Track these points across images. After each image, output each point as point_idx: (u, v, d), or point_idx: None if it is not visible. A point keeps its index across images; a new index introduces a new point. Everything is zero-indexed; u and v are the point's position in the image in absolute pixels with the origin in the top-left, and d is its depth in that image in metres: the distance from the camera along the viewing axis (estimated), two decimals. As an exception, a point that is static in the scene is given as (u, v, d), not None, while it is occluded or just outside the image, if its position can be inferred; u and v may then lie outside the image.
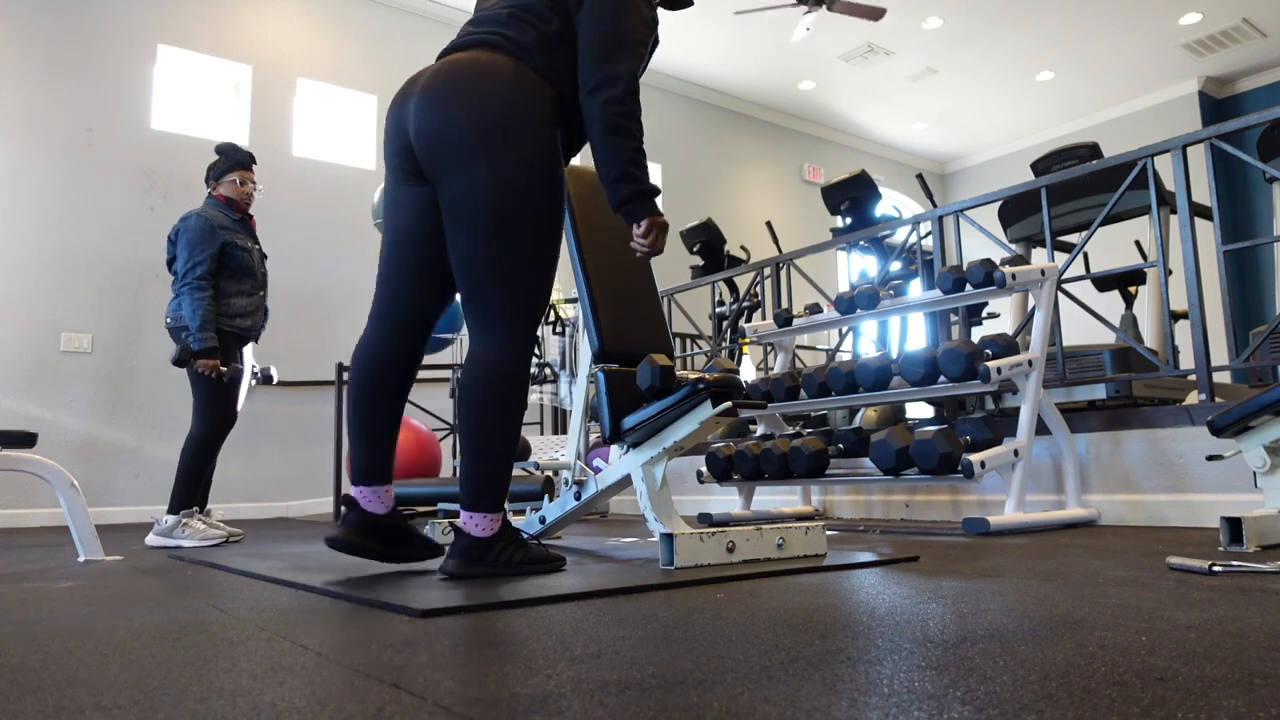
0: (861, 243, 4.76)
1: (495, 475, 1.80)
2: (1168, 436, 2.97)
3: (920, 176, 5.10)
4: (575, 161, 2.30)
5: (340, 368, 5.61)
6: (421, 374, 6.53)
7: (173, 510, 3.28)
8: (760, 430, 4.03)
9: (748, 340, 4.97)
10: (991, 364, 2.90)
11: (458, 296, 1.91)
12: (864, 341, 5.10)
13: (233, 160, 3.55)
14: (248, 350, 3.65)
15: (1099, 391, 3.48)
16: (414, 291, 1.92)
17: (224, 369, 3.33)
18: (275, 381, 3.85)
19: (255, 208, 3.68)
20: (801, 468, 3.28)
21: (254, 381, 3.74)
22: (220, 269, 3.40)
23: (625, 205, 1.84)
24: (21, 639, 1.21)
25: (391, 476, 1.94)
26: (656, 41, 2.00)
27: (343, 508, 1.91)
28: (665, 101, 9.14)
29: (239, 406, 3.66)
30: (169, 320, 3.42)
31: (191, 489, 3.32)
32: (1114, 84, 9.36)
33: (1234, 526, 1.95)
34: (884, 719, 0.71)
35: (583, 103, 1.84)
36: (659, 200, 1.87)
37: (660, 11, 2.09)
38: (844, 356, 5.45)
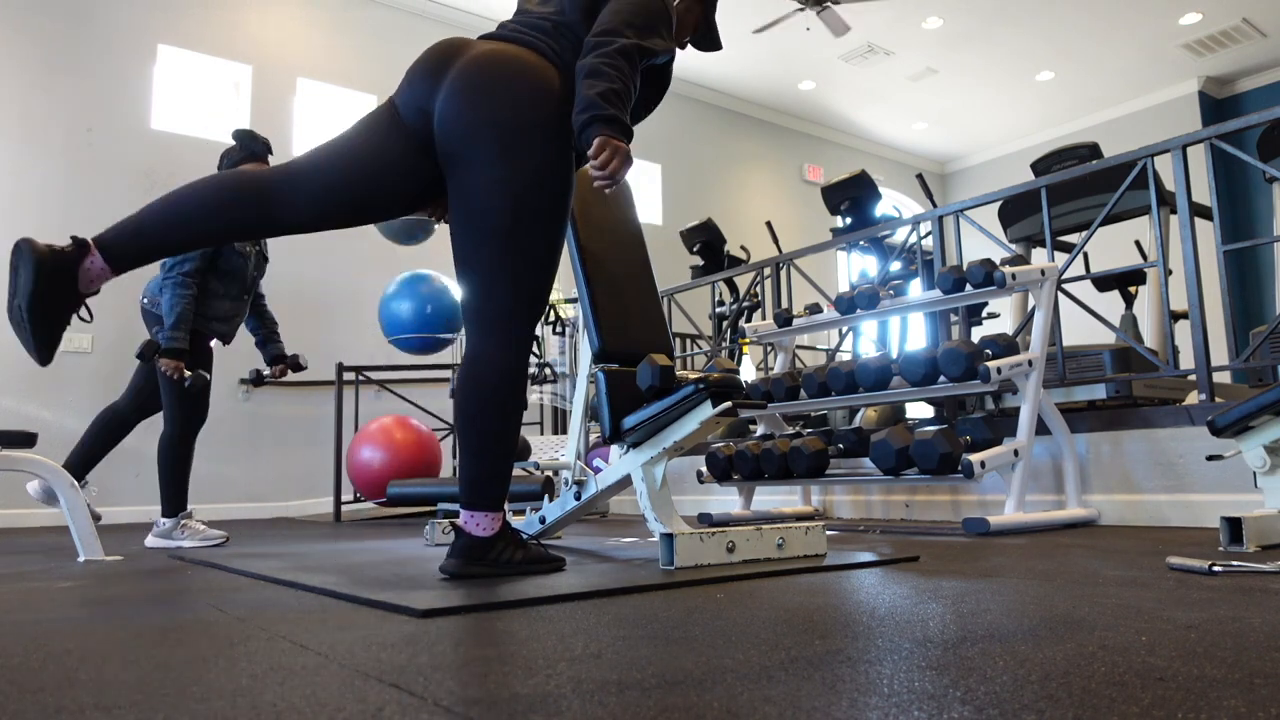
0: (861, 243, 4.77)
1: (495, 474, 1.81)
2: (1168, 436, 2.97)
3: (920, 176, 5.11)
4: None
5: (340, 367, 5.61)
6: (421, 374, 6.56)
7: (168, 514, 3.25)
8: (760, 430, 4.03)
9: (748, 340, 4.97)
10: (991, 364, 2.90)
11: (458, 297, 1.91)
12: (864, 341, 5.10)
13: (248, 150, 3.33)
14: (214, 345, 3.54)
15: (1099, 391, 3.48)
16: (327, 211, 1.82)
17: (187, 373, 3.17)
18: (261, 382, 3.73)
19: None
20: (801, 468, 3.28)
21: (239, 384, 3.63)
22: (210, 268, 3.26)
23: (582, 132, 1.71)
24: (21, 639, 1.21)
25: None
26: (668, 74, 1.99)
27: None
28: (665, 101, 9.11)
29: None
30: (145, 300, 3.28)
31: (180, 490, 3.27)
32: (1114, 84, 9.36)
33: (1234, 526, 1.95)
34: (884, 719, 0.71)
35: (576, 68, 1.79)
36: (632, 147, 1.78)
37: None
38: (844, 356, 5.45)
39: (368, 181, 1.82)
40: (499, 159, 1.75)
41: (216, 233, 1.80)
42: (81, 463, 3.36)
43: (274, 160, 3.56)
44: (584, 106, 1.72)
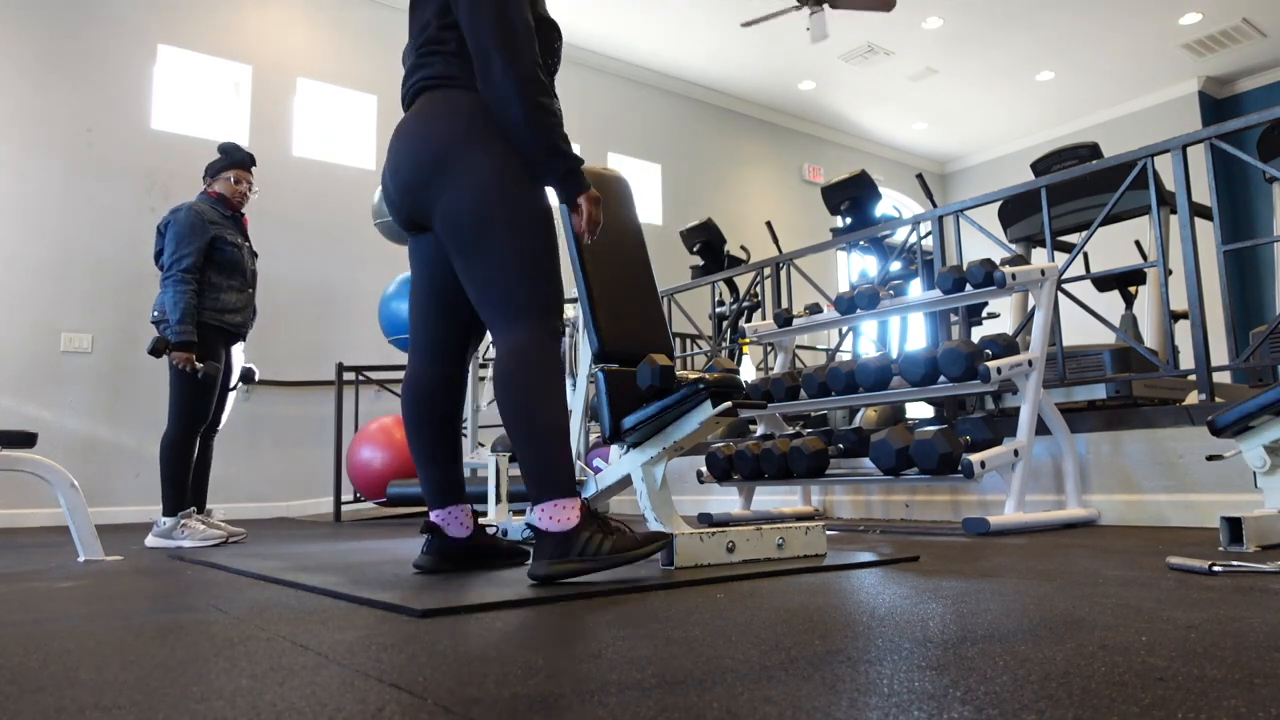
0: (861, 243, 4.76)
1: (553, 458, 1.68)
2: (1168, 436, 2.97)
3: (920, 176, 5.11)
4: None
5: (340, 367, 5.61)
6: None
7: (168, 513, 3.27)
8: (760, 430, 4.03)
9: (748, 340, 4.97)
10: (991, 364, 2.90)
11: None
12: (864, 341, 5.10)
13: (232, 159, 3.56)
14: (237, 349, 3.62)
15: (1099, 391, 3.48)
16: (439, 323, 2.01)
17: (199, 364, 3.26)
18: (256, 379, 3.84)
19: (252, 205, 3.68)
20: (801, 468, 3.28)
21: (240, 384, 3.72)
22: (209, 263, 3.38)
23: (558, 186, 1.84)
24: (21, 639, 1.21)
25: (464, 495, 2.00)
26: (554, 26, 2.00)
27: (426, 535, 1.96)
28: (665, 101, 9.13)
29: (227, 409, 3.65)
30: (156, 314, 3.37)
31: (178, 490, 3.29)
32: (1114, 84, 9.36)
33: (1234, 526, 1.95)
34: (884, 719, 0.71)
35: (483, 90, 1.81)
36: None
37: None
38: (844, 356, 5.45)
39: (431, 270, 2.00)
40: (440, 189, 1.81)
41: (450, 415, 2.02)
42: (175, 495, 3.32)
43: (259, 170, 3.70)
44: (546, 159, 1.80)
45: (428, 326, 2.01)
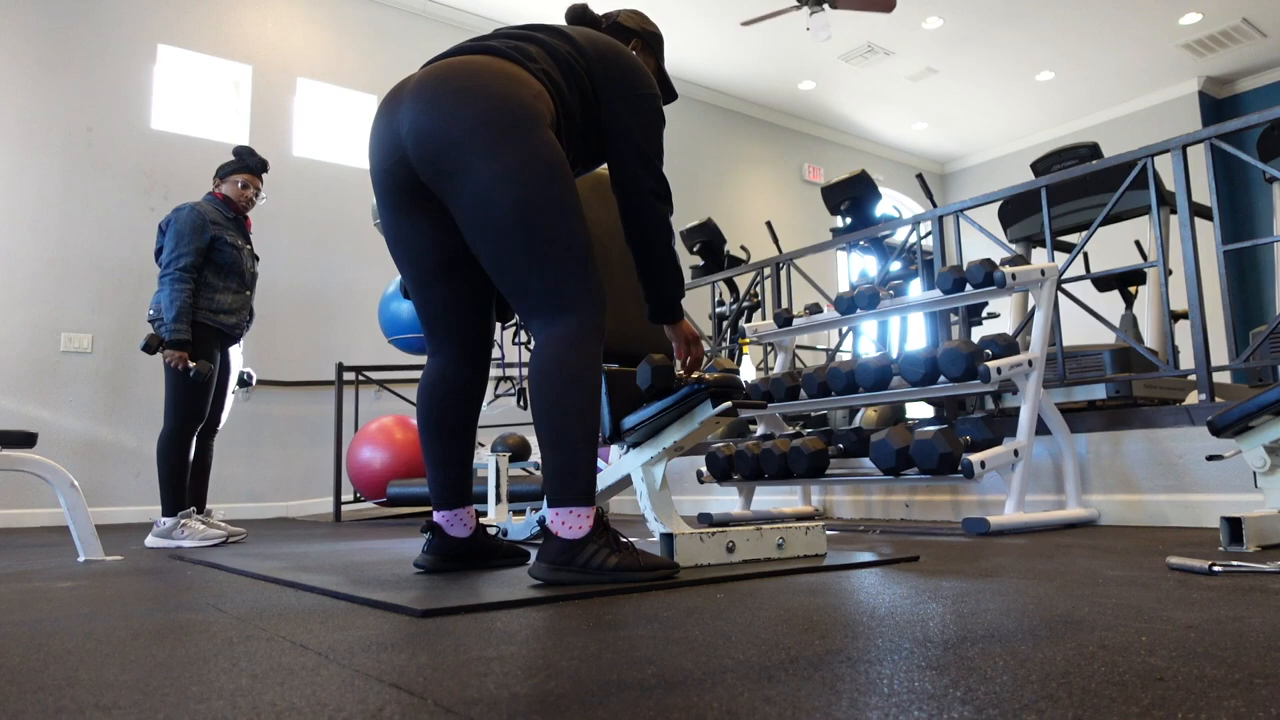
0: (861, 243, 4.77)
1: (578, 464, 1.63)
2: (1168, 436, 2.97)
3: (920, 176, 5.11)
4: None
5: (340, 367, 5.61)
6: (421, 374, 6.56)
7: (167, 512, 3.27)
8: (760, 430, 4.03)
9: (748, 340, 4.97)
10: (991, 364, 2.90)
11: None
12: (864, 341, 5.10)
13: (243, 163, 3.59)
14: (235, 350, 3.63)
15: (1099, 391, 3.49)
16: (457, 324, 1.89)
17: (192, 364, 3.27)
18: (254, 383, 3.86)
19: (255, 208, 3.70)
20: (801, 468, 3.28)
21: (236, 387, 3.73)
22: (206, 263, 3.39)
23: (673, 314, 2.01)
24: (21, 639, 1.21)
25: (470, 498, 1.98)
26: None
27: (428, 534, 1.93)
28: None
29: (227, 409, 3.66)
30: (151, 312, 3.36)
31: (177, 489, 3.29)
32: (1114, 84, 9.36)
33: (1234, 526, 1.95)
34: (884, 719, 0.71)
35: (629, 203, 1.90)
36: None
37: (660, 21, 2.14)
38: (844, 356, 5.45)
39: (440, 262, 1.85)
40: (481, 153, 1.64)
41: (467, 420, 1.97)
42: (174, 495, 3.32)
43: (269, 176, 3.72)
44: (663, 309, 2.01)
45: (455, 318, 1.87)
